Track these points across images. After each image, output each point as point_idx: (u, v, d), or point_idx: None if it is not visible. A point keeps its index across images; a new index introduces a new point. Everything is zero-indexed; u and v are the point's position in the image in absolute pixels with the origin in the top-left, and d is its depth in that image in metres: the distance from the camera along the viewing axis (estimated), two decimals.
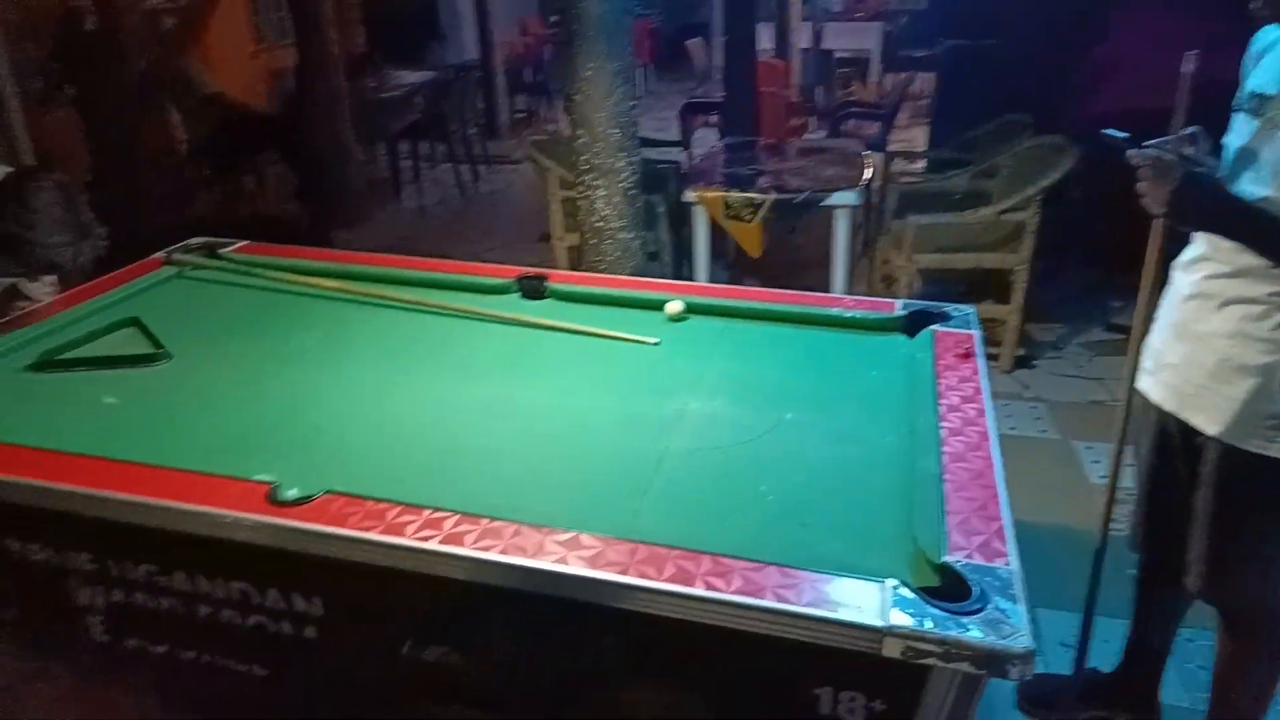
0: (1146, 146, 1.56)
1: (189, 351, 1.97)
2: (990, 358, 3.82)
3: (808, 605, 1.16)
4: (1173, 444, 1.80)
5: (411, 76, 8.37)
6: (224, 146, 6.89)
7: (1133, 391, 1.84)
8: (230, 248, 2.55)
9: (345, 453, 1.58)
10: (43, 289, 2.43)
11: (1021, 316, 3.72)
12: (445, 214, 6.83)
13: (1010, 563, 1.26)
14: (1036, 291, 3.81)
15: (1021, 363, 3.88)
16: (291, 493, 1.36)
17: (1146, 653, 2.09)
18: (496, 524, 1.31)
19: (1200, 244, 1.70)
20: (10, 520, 1.49)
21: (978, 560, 1.25)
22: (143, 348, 1.96)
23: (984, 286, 4.01)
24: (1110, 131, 1.60)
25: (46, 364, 1.88)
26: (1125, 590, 2.07)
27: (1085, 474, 3.05)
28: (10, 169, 2.18)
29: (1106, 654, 2.16)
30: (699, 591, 1.18)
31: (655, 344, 2.03)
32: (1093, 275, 4.46)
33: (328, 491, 1.37)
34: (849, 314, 2.13)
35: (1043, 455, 3.21)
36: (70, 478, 1.40)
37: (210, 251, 2.53)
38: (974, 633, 1.11)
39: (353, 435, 1.65)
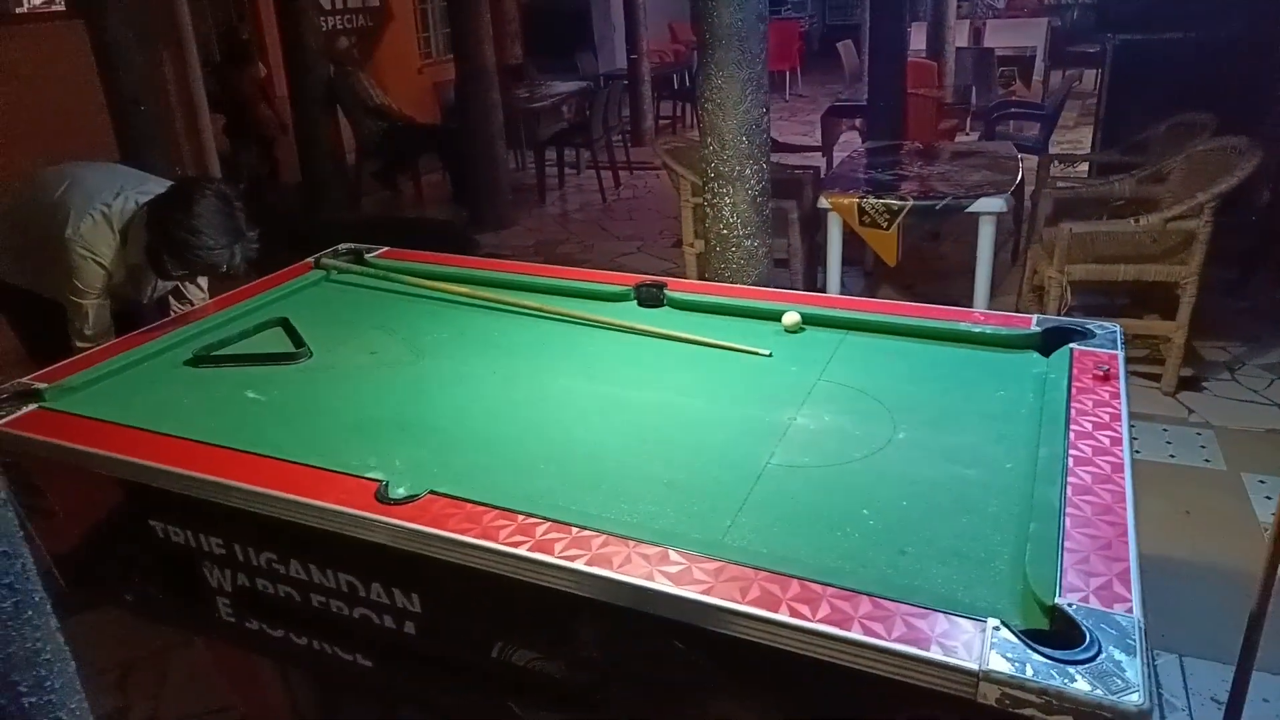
0: None
1: (328, 350, 2.12)
2: (1152, 378, 3.55)
3: (897, 641, 1.10)
4: None
5: (561, 86, 8.67)
6: (387, 154, 7.37)
7: None
8: (375, 253, 2.71)
9: (458, 449, 1.65)
10: (197, 291, 2.68)
11: (1188, 334, 3.39)
12: (587, 218, 7.00)
13: (1133, 609, 1.14)
14: (1209, 307, 3.46)
15: (1187, 384, 3.54)
16: (399, 491, 1.42)
17: None
18: (585, 533, 1.32)
19: None
20: (156, 504, 1.64)
21: (1094, 605, 1.15)
22: (286, 346, 2.12)
23: (1149, 300, 3.69)
24: None
25: (201, 359, 2.06)
26: None
27: (1254, 510, 2.74)
28: (171, 183, 2.39)
29: (1265, 715, 1.94)
30: (781, 618, 1.15)
31: (768, 355, 1.99)
32: (1278, 288, 4.02)
33: (432, 491, 1.42)
34: (978, 329, 2.02)
35: (1206, 487, 2.91)
36: (204, 467, 1.53)
37: (357, 256, 2.70)
38: (1080, 685, 1.02)
39: (467, 431, 1.72)
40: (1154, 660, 2.22)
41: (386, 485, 1.43)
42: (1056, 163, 5.35)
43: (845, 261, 4.21)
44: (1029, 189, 4.88)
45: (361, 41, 8.11)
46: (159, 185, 2.40)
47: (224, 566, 1.63)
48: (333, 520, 1.40)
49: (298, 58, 6.14)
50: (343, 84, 7.03)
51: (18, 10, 4.95)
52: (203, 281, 2.67)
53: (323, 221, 6.25)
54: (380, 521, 1.37)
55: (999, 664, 1.05)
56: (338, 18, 7.99)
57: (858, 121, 7.06)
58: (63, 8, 4.46)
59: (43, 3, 5.02)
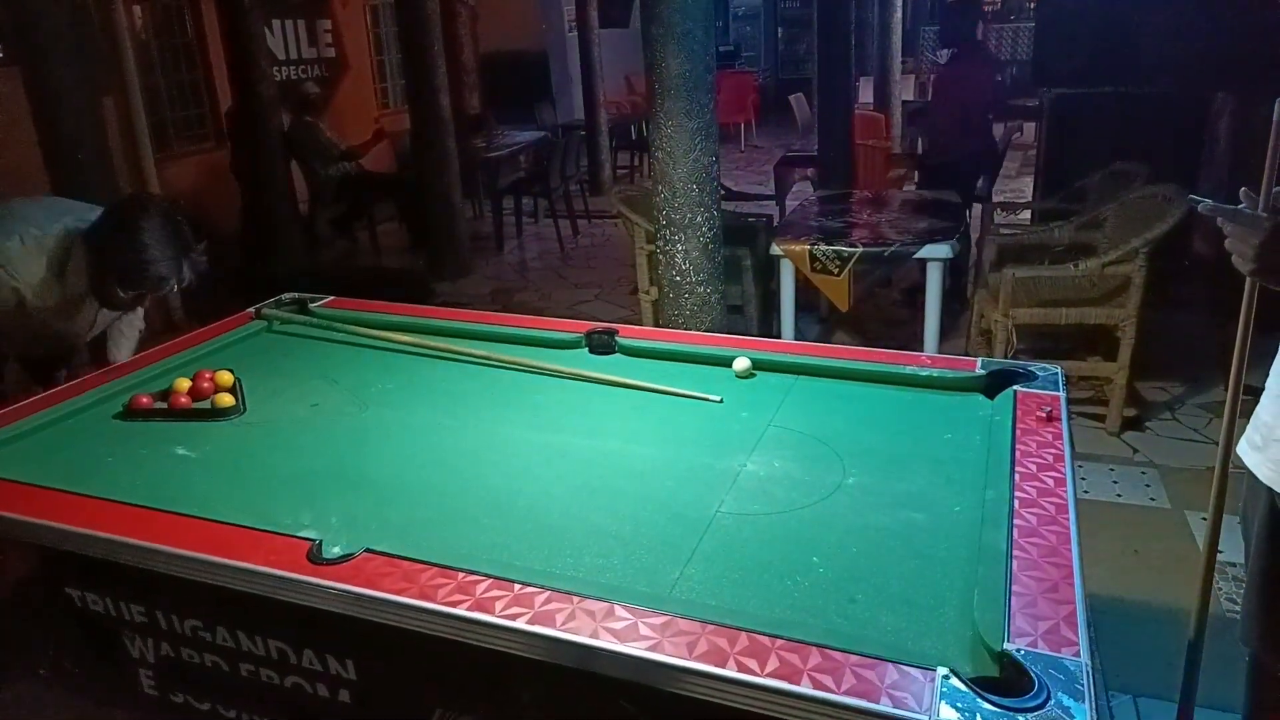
0: (1222, 207, 1.42)
1: (267, 402, 2.06)
2: (1097, 418, 3.61)
3: (846, 694, 1.08)
4: None
5: (520, 136, 8.73)
6: (345, 202, 7.33)
7: (1229, 462, 1.66)
8: (320, 302, 2.67)
9: (397, 503, 1.60)
10: (136, 322, 2.58)
11: (1129, 374, 3.47)
12: (544, 266, 7.01)
13: (1080, 653, 1.13)
14: (1149, 348, 3.55)
15: (1131, 424, 3.61)
16: (334, 550, 1.37)
17: None
18: (528, 590, 1.28)
19: None
20: (73, 570, 1.56)
21: (1042, 649, 1.14)
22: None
23: (1091, 343, 3.78)
24: (1196, 198, 1.48)
25: (132, 413, 1.99)
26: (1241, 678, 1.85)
27: (1199, 547, 2.76)
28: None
29: None
30: (729, 673, 1.12)
31: (719, 402, 1.98)
32: (1215, 330, 4.14)
33: (368, 549, 1.37)
34: (925, 372, 2.03)
35: (1151, 526, 2.95)
36: (124, 529, 1.46)
37: (300, 306, 2.65)
38: None
39: (408, 485, 1.68)
40: (1110, 702, 2.21)
41: (320, 544, 1.38)
42: (999, 210, 5.50)
43: (800, 307, 4.25)
44: (974, 236, 5.00)
45: (316, 93, 8.10)
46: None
47: (146, 635, 1.54)
48: (261, 583, 1.34)
49: (249, 107, 6.09)
50: (303, 133, 6.99)
51: None
52: (138, 319, 2.57)
53: (275, 271, 6.16)
54: (311, 584, 1.31)
55: (949, 714, 1.03)
56: (293, 68, 7.98)
57: (810, 171, 7.20)
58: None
59: None
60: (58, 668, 1.71)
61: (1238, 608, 1.81)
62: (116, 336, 2.56)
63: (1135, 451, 3.43)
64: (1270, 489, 1.60)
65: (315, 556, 1.35)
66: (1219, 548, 1.78)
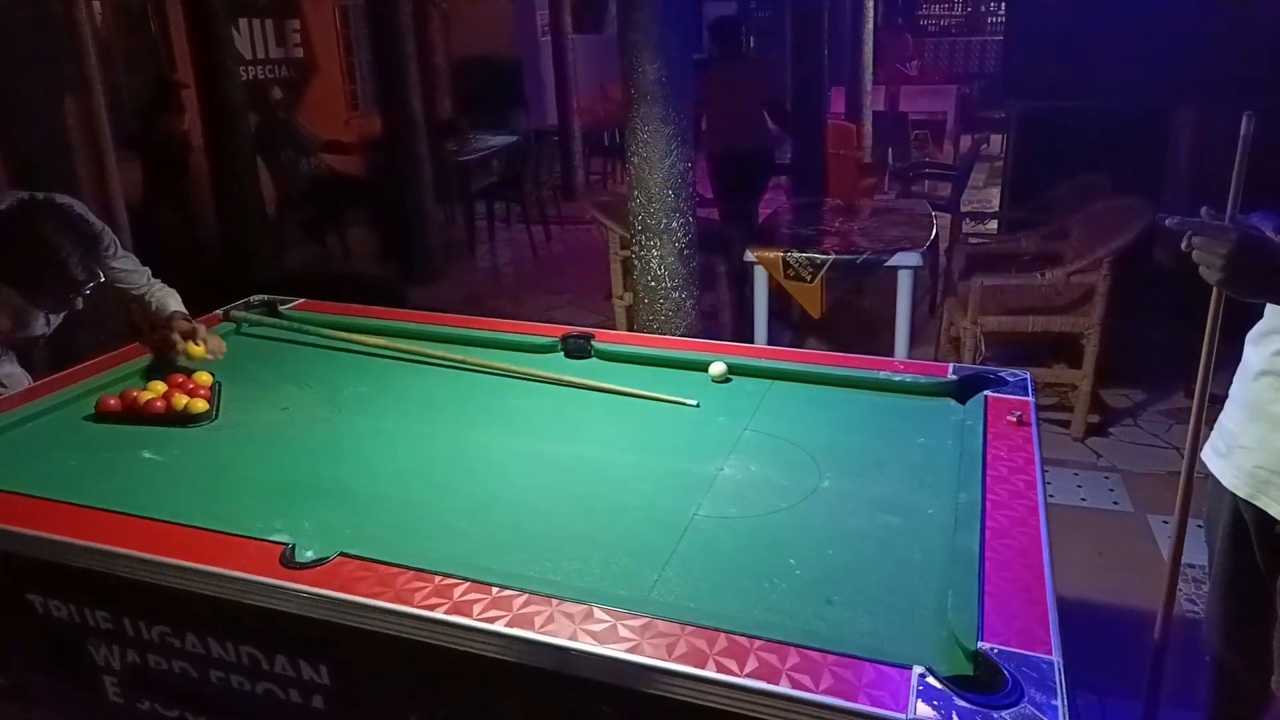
0: (1189, 220, 1.45)
1: (237, 407, 2.03)
2: (1062, 424, 3.67)
3: (825, 693, 1.08)
4: (1249, 533, 1.64)
5: (492, 140, 8.70)
6: (318, 204, 7.26)
7: (1194, 466, 1.70)
8: (290, 304, 2.63)
9: (372, 509, 1.59)
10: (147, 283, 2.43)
11: (1094, 381, 3.54)
12: (518, 272, 6.99)
13: (1052, 651, 1.15)
14: (1113, 355, 3.63)
15: (1095, 430, 3.68)
16: (306, 555, 1.35)
17: None
18: (507, 593, 1.27)
19: (1272, 316, 1.57)
20: (35, 576, 1.52)
21: (1015, 648, 1.15)
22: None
23: (1057, 350, 3.85)
24: (1164, 214, 1.51)
25: (100, 416, 1.95)
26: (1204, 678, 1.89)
27: (1161, 550, 2.84)
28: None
29: None
30: (708, 674, 1.12)
31: (695, 406, 1.99)
32: (1177, 338, 4.23)
33: (342, 554, 1.35)
34: (898, 378, 2.06)
35: (1115, 529, 3.01)
36: (88, 533, 1.42)
37: (270, 308, 2.61)
38: None
39: (383, 491, 1.66)
40: (1077, 702, 2.25)
41: (293, 548, 1.36)
42: (968, 220, 5.59)
43: (773, 314, 4.28)
44: (943, 245, 5.07)
45: (286, 93, 8.03)
46: None
47: (111, 642, 1.51)
48: (232, 587, 1.31)
49: (217, 109, 6.01)
50: (282, 131, 6.90)
51: None
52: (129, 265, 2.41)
53: (243, 275, 6.08)
54: (284, 588, 1.29)
55: (925, 712, 1.04)
56: (259, 68, 7.89)
57: (783, 179, 7.26)
58: None
59: None
60: (19, 677, 1.66)
61: (1199, 609, 1.86)
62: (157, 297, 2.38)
63: (1099, 457, 3.50)
64: (1234, 494, 1.64)
65: (288, 561, 1.34)
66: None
